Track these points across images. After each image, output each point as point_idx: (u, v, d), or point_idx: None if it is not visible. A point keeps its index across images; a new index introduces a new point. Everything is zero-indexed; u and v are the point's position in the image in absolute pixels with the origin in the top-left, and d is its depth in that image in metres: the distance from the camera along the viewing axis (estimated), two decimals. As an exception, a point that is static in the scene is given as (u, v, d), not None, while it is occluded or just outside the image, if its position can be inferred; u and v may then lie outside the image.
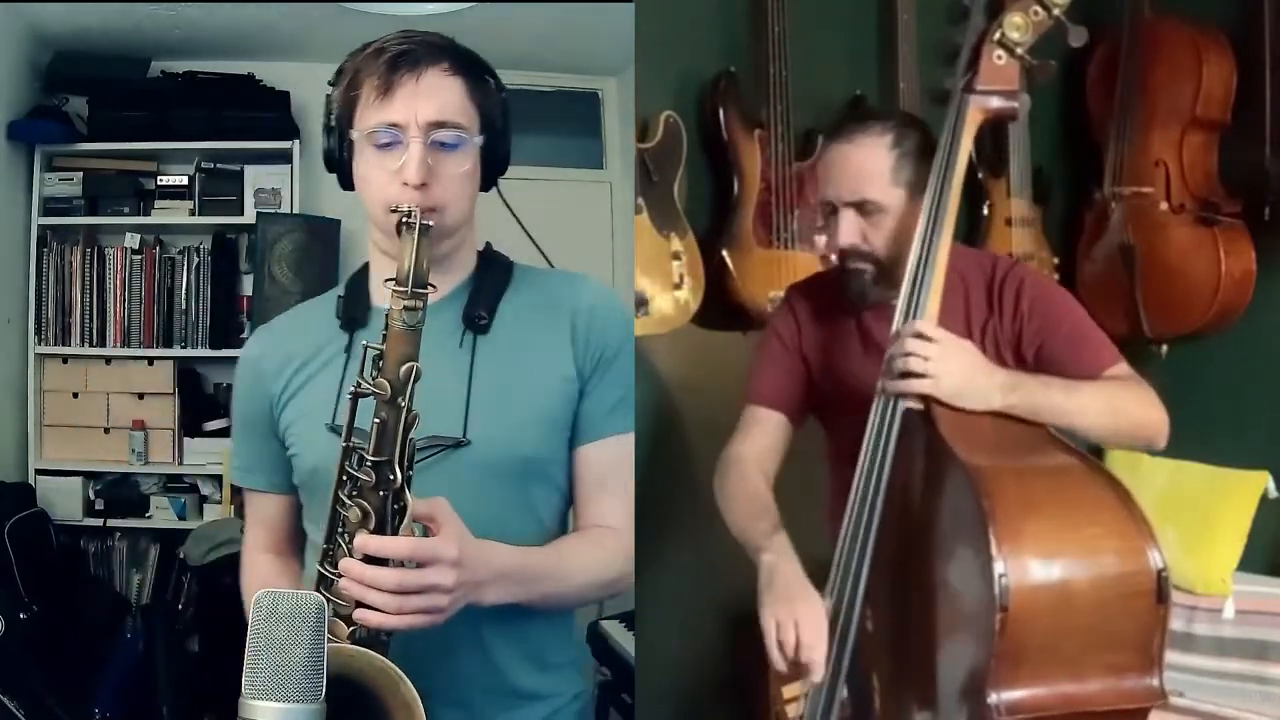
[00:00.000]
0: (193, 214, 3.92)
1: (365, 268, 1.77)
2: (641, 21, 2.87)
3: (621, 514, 1.74)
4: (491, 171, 1.72)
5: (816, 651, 1.70)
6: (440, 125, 1.60)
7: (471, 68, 1.66)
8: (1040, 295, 2.02)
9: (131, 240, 3.91)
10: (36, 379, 3.84)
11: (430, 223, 1.46)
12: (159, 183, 3.92)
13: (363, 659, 1.41)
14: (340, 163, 1.67)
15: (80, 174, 3.82)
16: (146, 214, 3.91)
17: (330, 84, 1.67)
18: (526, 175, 4.10)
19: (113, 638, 3.51)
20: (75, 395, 3.88)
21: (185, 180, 3.92)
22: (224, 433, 3.82)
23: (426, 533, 1.46)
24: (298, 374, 1.71)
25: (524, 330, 1.70)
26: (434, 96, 1.59)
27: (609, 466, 1.74)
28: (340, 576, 1.44)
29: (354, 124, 1.62)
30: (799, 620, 1.72)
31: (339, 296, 1.76)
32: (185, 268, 3.91)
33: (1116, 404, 1.86)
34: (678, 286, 3.00)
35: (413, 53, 1.60)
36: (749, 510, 2.04)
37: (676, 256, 3.00)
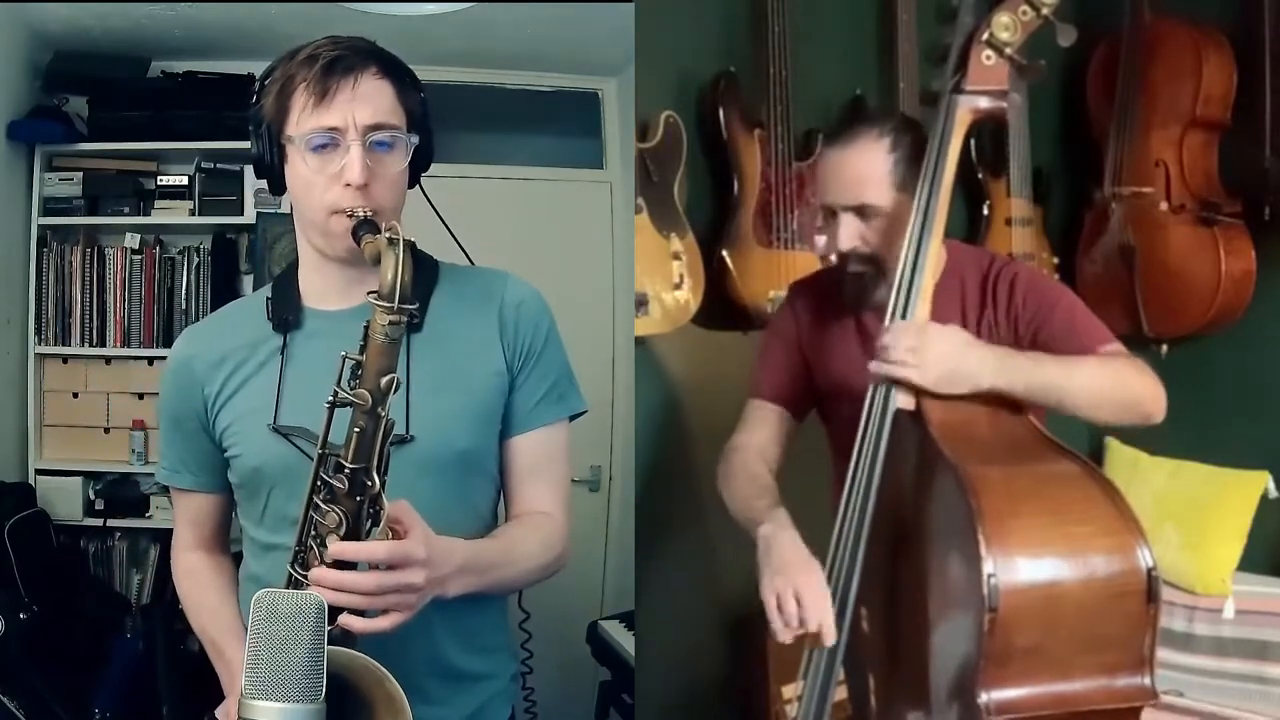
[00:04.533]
0: (193, 214, 3.91)
1: (292, 268, 1.79)
2: (641, 21, 2.88)
3: (553, 499, 1.83)
4: (416, 170, 1.74)
5: (824, 617, 1.72)
6: (377, 127, 1.62)
7: (397, 70, 1.68)
8: (1034, 285, 2.04)
9: (131, 240, 3.89)
10: (36, 379, 3.83)
11: (413, 239, 1.48)
12: (159, 183, 3.90)
13: (345, 657, 1.42)
14: (271, 168, 1.68)
15: (80, 174, 3.81)
16: (146, 214, 3.89)
17: (256, 91, 1.68)
18: (526, 175, 4.15)
19: (113, 638, 3.51)
20: (75, 395, 3.87)
21: (185, 180, 3.90)
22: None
23: (393, 535, 1.49)
24: (233, 375, 1.73)
25: (455, 326, 1.75)
26: (369, 100, 1.62)
27: (540, 455, 1.82)
28: (309, 580, 1.47)
29: (286, 129, 1.64)
30: (799, 589, 1.73)
31: (267, 298, 1.78)
32: (185, 268, 3.90)
33: (1115, 377, 1.86)
34: (678, 286, 3.00)
35: (345, 58, 1.62)
36: (748, 490, 2.07)
37: (676, 256, 3.01)
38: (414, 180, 1.75)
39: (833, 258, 2.10)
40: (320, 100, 1.60)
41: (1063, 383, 1.79)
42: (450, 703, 1.75)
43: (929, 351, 1.73)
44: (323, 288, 1.74)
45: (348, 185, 1.60)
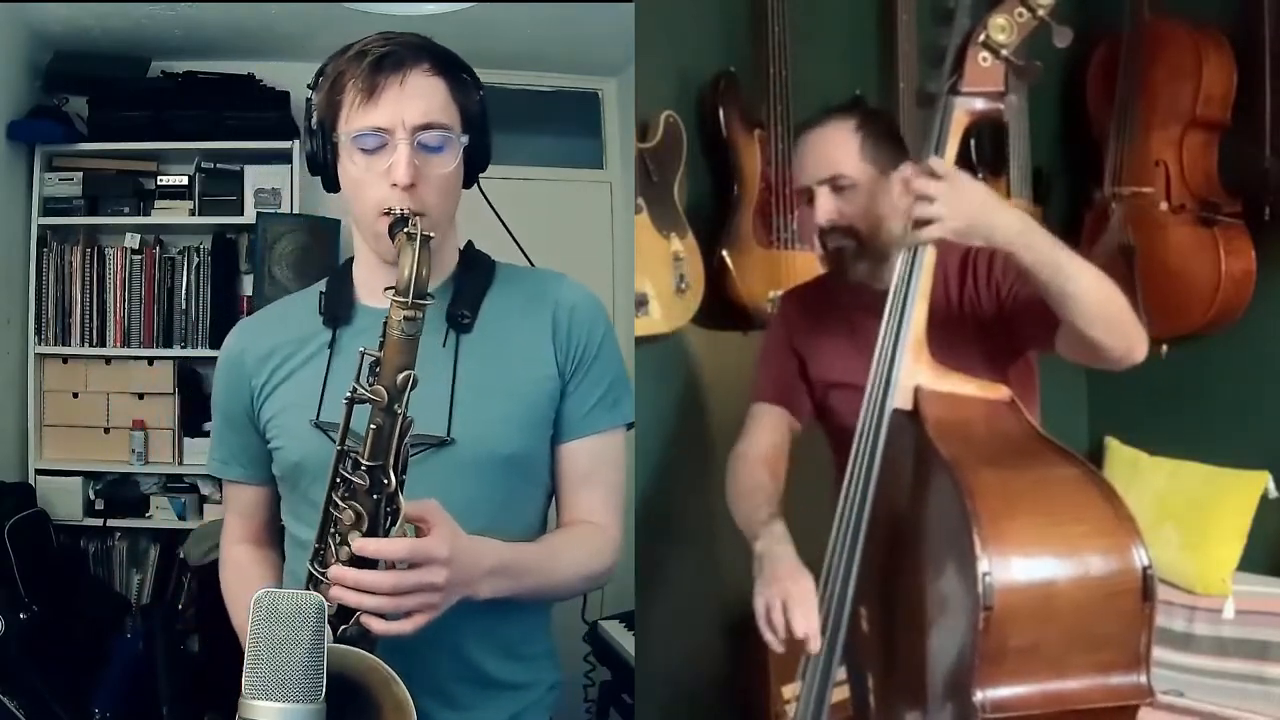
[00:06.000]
0: (193, 214, 3.92)
1: (348, 264, 1.79)
2: (641, 21, 2.87)
3: (605, 509, 1.78)
4: (473, 169, 1.72)
5: (809, 625, 1.74)
6: (426, 127, 1.60)
7: (451, 67, 1.66)
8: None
9: (131, 240, 3.90)
10: (36, 379, 3.84)
11: (432, 234, 1.47)
12: (159, 183, 3.91)
13: (353, 658, 1.42)
14: (325, 165, 1.67)
15: (80, 174, 3.82)
16: (146, 214, 3.91)
17: (310, 87, 1.67)
18: (526, 175, 4.15)
19: (113, 638, 3.51)
20: (75, 395, 3.87)
21: (185, 180, 3.91)
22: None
23: (418, 533, 1.47)
24: (280, 368, 1.73)
25: (506, 329, 1.72)
26: (419, 98, 1.60)
27: (592, 463, 1.77)
28: (328, 578, 1.46)
29: (338, 127, 1.62)
30: (786, 598, 1.76)
31: (321, 293, 1.77)
32: (185, 268, 3.90)
33: (1115, 293, 1.82)
34: (678, 287, 3.00)
35: (395, 54, 1.60)
36: (749, 502, 2.08)
37: (676, 256, 3.00)
38: (470, 180, 1.74)
39: (815, 243, 2.13)
40: (368, 98, 1.58)
41: (1071, 271, 1.77)
42: (481, 709, 1.72)
43: (956, 200, 1.72)
44: (376, 284, 1.68)
45: (394, 185, 1.58)
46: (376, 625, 1.44)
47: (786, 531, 1.92)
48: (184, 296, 3.91)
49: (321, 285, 1.79)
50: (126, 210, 3.89)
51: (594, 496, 1.77)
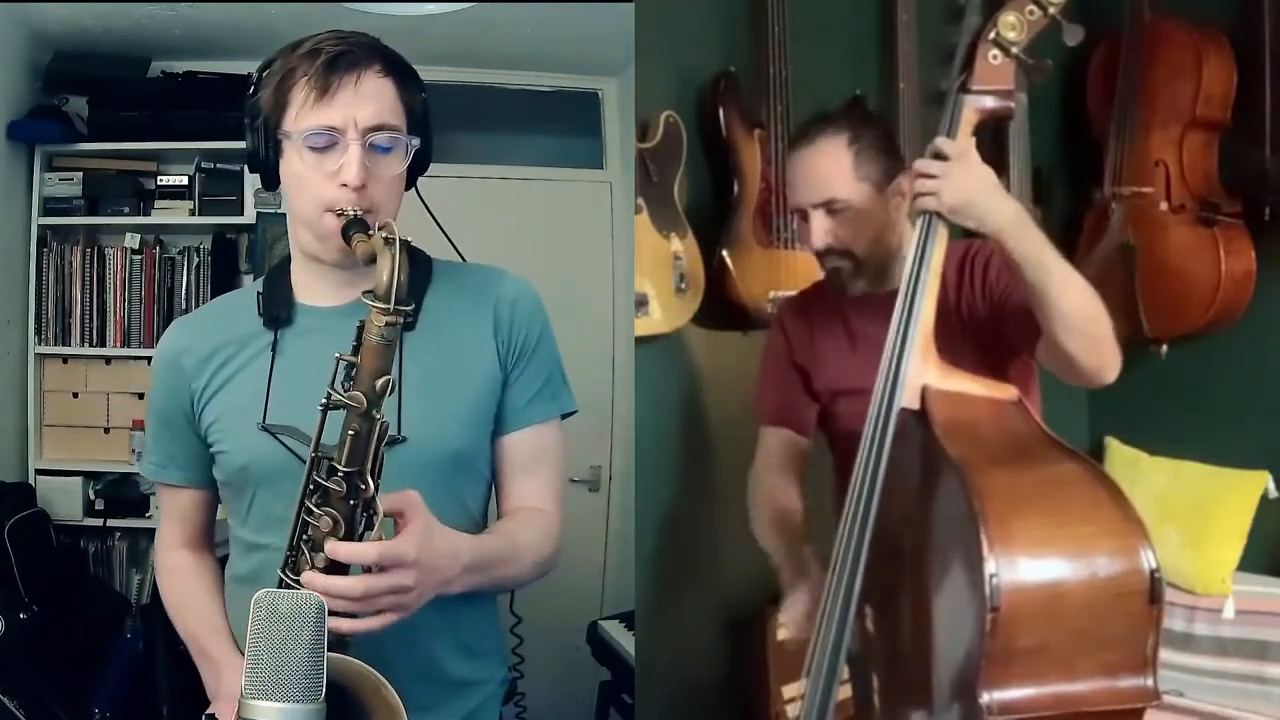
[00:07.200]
0: (193, 214, 3.92)
1: (284, 264, 1.78)
2: (641, 21, 2.88)
3: (546, 495, 1.81)
4: (414, 170, 1.72)
5: (795, 625, 1.91)
6: (378, 128, 1.60)
7: (399, 68, 1.66)
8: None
9: (131, 240, 3.90)
10: (36, 379, 3.84)
11: (411, 239, 1.47)
12: (159, 183, 3.91)
13: (342, 664, 1.41)
14: (267, 162, 1.65)
15: (80, 174, 3.82)
16: (146, 214, 3.91)
17: (254, 82, 1.66)
18: (526, 175, 4.15)
19: (113, 638, 3.51)
20: (75, 395, 3.88)
21: (185, 180, 3.91)
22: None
23: (396, 526, 1.48)
24: (221, 370, 1.72)
25: (449, 325, 1.73)
26: (371, 100, 1.60)
27: (532, 452, 1.80)
28: (300, 585, 1.46)
29: (284, 124, 1.61)
30: (790, 599, 1.94)
31: (259, 293, 1.76)
32: (185, 268, 3.91)
33: (1097, 307, 1.83)
34: (678, 287, 3.00)
35: (350, 54, 1.59)
36: (768, 529, 2.17)
37: (676, 256, 3.00)
38: (410, 182, 1.73)
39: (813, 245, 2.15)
40: (321, 97, 1.57)
41: (1055, 275, 1.78)
42: (443, 709, 1.73)
43: (958, 178, 1.73)
44: (315, 284, 1.72)
45: (344, 185, 1.58)
46: (344, 624, 1.44)
47: (805, 556, 2.03)
48: (184, 296, 3.90)
49: (258, 285, 1.78)
50: (126, 210, 3.89)
51: (535, 484, 1.80)
